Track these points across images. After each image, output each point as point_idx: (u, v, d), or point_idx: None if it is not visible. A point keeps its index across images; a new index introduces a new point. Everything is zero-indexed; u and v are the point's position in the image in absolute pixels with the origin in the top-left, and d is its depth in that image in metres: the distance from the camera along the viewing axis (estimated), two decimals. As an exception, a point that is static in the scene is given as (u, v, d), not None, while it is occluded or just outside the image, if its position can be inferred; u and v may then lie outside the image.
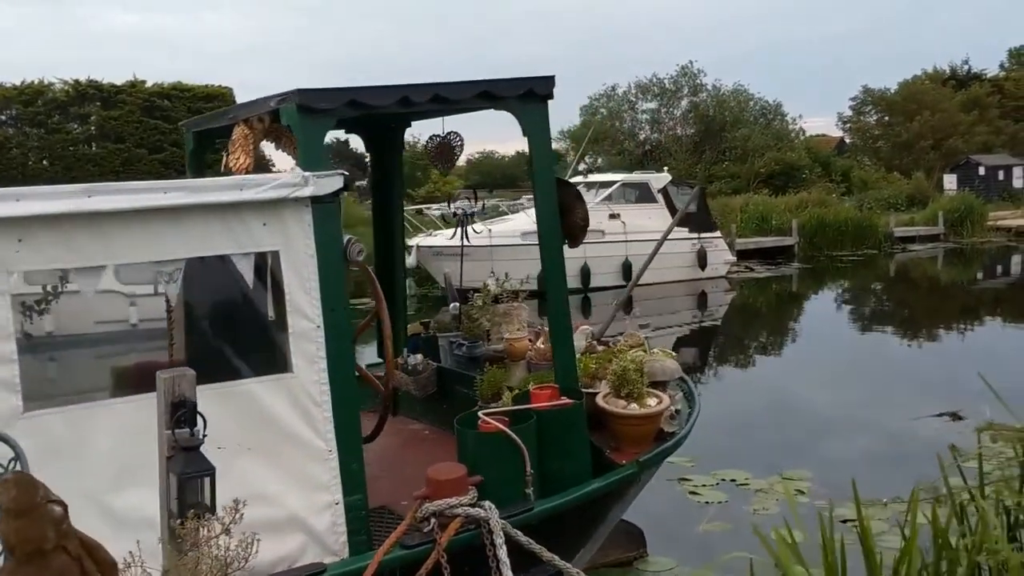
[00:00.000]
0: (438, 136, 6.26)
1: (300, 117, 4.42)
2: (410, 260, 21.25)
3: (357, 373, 5.85)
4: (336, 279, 4.43)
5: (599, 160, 48.93)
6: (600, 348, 6.11)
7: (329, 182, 4.36)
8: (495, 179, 68.88)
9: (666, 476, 8.52)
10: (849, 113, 55.35)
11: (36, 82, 36.42)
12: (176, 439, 3.17)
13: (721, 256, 24.64)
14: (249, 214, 4.23)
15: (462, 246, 7.88)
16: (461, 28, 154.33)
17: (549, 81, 5.01)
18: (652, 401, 5.12)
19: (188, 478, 3.13)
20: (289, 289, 4.31)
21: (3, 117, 35.90)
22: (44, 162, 36.30)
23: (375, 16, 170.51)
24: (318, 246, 4.37)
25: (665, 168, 26.79)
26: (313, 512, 4.32)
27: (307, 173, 4.32)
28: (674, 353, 6.03)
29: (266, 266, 4.42)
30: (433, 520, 4.26)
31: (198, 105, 37.69)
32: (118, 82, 37.46)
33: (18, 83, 36.14)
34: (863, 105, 54.22)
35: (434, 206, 32.43)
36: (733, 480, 8.41)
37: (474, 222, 7.72)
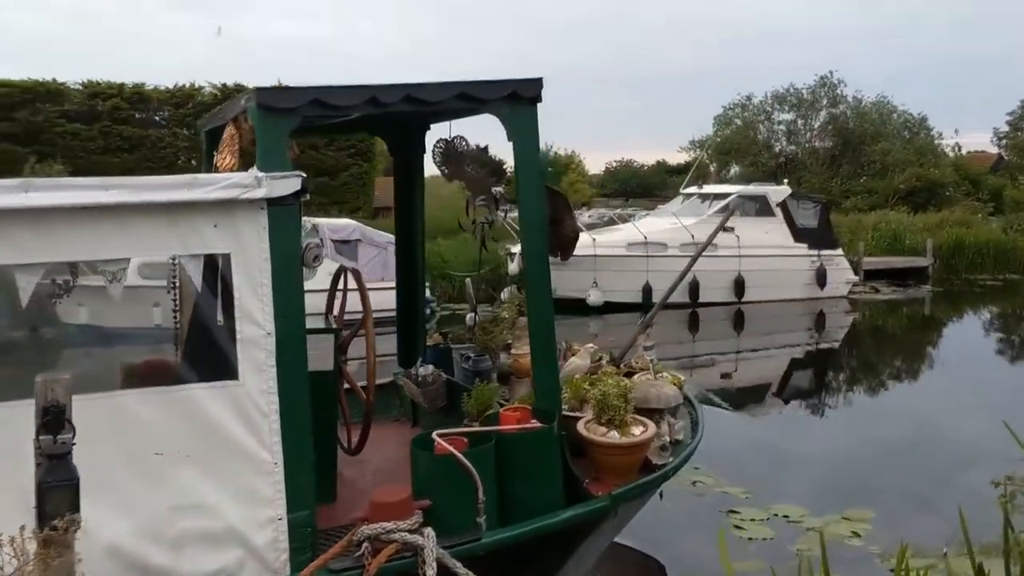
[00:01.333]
0: (444, 140, 6.05)
1: (260, 116, 4.29)
2: (512, 267, 21.12)
3: (347, 385, 5.72)
4: (291, 285, 4.26)
5: (732, 171, 47.74)
6: (609, 370, 5.73)
7: (285, 184, 4.20)
8: (632, 188, 68.14)
9: (716, 506, 8.07)
10: (1006, 128, 52.06)
11: (187, 86, 38.24)
12: (40, 446, 3.05)
13: (842, 275, 23.44)
14: (199, 215, 4.11)
15: (479, 256, 7.63)
16: (604, 38, 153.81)
17: (536, 83, 4.72)
18: (637, 430, 4.74)
19: (48, 488, 3.00)
20: (239, 293, 4.17)
21: (156, 118, 37.71)
22: (192, 162, 37.97)
23: (520, 25, 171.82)
24: (273, 250, 4.21)
25: (785, 181, 25.71)
26: (254, 526, 4.17)
27: (260, 174, 4.18)
28: (682, 378, 5.61)
29: (217, 269, 4.30)
30: (366, 544, 4.04)
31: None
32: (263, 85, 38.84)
33: (171, 86, 38.07)
34: (1021, 120, 50.83)
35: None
36: (786, 516, 7.85)
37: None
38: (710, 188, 24.28)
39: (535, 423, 4.61)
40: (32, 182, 3.87)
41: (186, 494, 4.08)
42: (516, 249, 21.04)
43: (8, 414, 3.65)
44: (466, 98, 4.63)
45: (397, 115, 5.92)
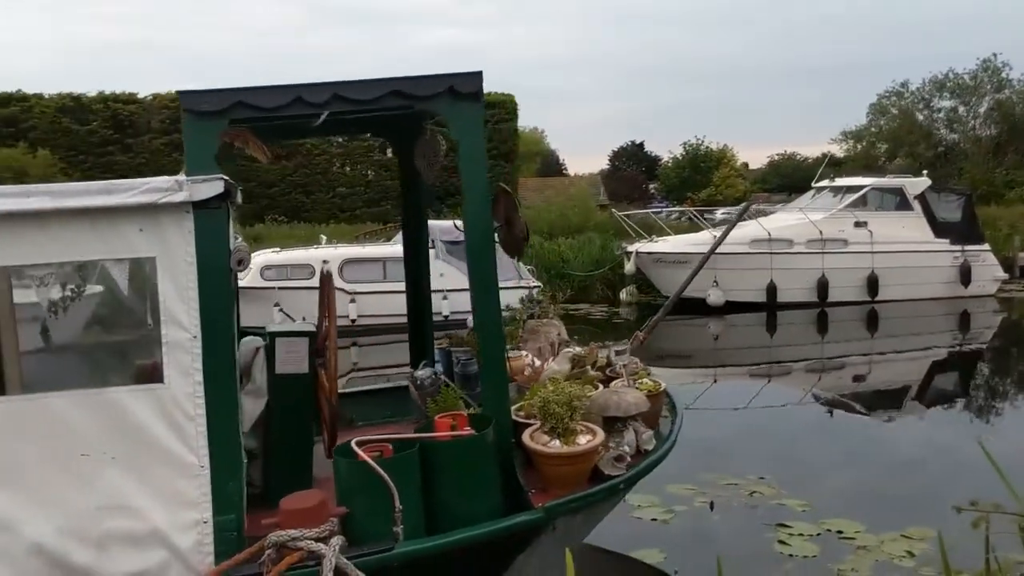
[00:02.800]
0: (422, 139, 5.93)
1: (186, 120, 4.31)
2: (629, 266, 20.73)
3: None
4: (219, 288, 4.26)
5: (888, 162, 45.23)
6: (592, 375, 5.45)
7: (207, 187, 4.20)
8: (795, 182, 65.80)
9: (763, 519, 7.62)
10: None
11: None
12: None
13: (990, 272, 21.72)
14: (123, 219, 4.17)
15: (518, 257, 7.45)
16: (753, 32, 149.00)
17: (475, 78, 4.54)
18: (583, 439, 4.48)
19: None
20: (165, 297, 4.20)
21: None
22: (346, 168, 39.37)
23: (673, 21, 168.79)
24: (199, 253, 4.23)
25: (924, 172, 24.03)
26: (178, 529, 4.19)
27: (182, 177, 4.20)
28: (662, 384, 5.27)
29: (143, 273, 4.35)
30: (269, 552, 3.98)
31: (480, 112, 39.41)
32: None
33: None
34: None
35: (719, 210, 31.53)
36: (840, 532, 7.29)
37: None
38: (843, 181, 23.03)
39: (468, 431, 4.44)
40: (-45, 189, 4.03)
41: (112, 495, 4.14)
42: (633, 248, 20.65)
43: None
44: (402, 95, 4.50)
45: (392, 115, 5.85)
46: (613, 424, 4.78)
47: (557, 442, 4.44)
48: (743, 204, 19.20)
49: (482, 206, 4.67)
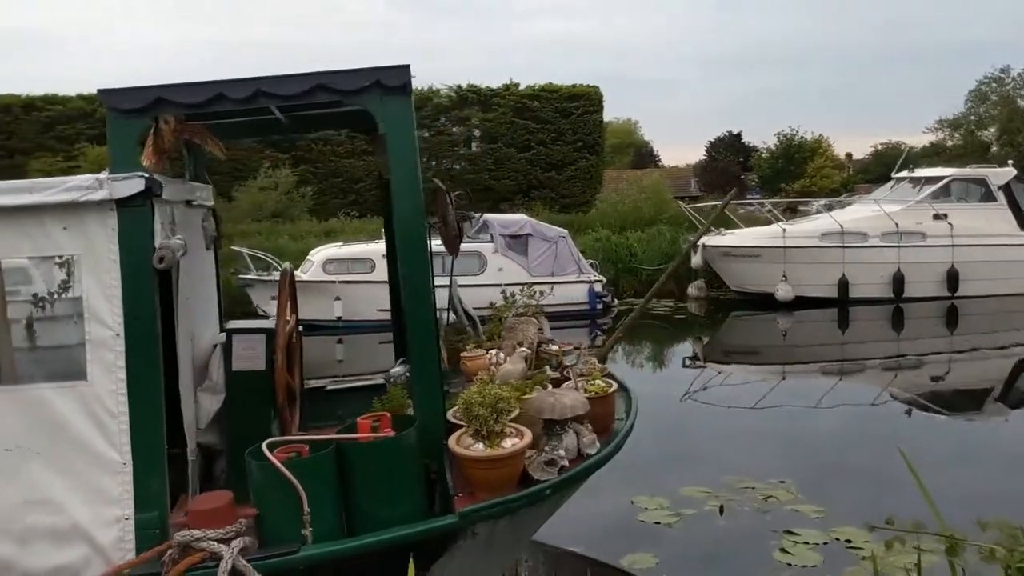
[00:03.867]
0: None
1: (109, 118, 4.33)
2: (695, 259, 20.28)
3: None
4: (142, 286, 4.27)
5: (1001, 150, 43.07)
6: (545, 376, 5.27)
7: (126, 185, 4.21)
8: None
9: (772, 525, 7.33)
10: None
11: (426, 88, 39.99)
12: None
13: (1080, 267, 20.45)
14: (48, 217, 4.21)
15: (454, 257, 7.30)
16: (856, 17, 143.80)
17: (402, 71, 4.42)
18: (509, 442, 4.33)
19: None
20: (88, 295, 4.24)
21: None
22: (433, 161, 39.61)
23: (777, 7, 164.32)
24: (122, 251, 4.24)
25: (1010, 162, 22.75)
26: (99, 525, 4.22)
27: (102, 176, 4.22)
28: (611, 386, 5.06)
29: (66, 270, 4.39)
30: (171, 551, 3.97)
31: (564, 105, 39.19)
32: (494, 85, 39.87)
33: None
34: None
35: (816, 202, 30.65)
36: (848, 541, 6.94)
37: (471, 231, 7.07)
38: (922, 172, 22.03)
39: (385, 432, 4.34)
40: None
41: (35, 490, 4.20)
42: (700, 241, 20.19)
43: None
44: (327, 90, 4.43)
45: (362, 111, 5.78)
46: (552, 427, 4.61)
47: (480, 445, 4.30)
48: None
49: (412, 204, 4.55)
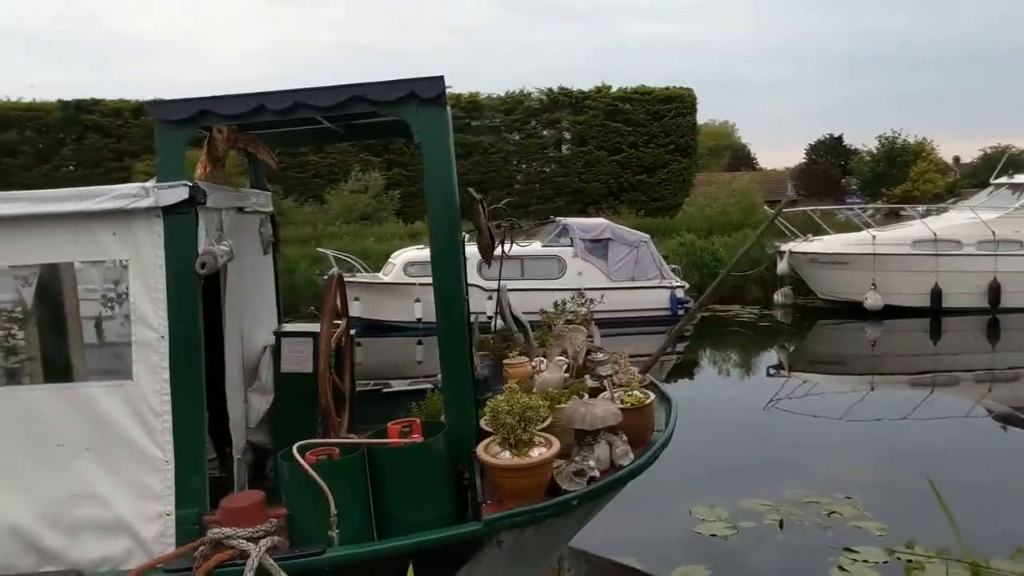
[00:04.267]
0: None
1: (157, 128, 4.50)
2: (781, 266, 19.86)
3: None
4: (186, 290, 4.43)
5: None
6: (585, 385, 5.25)
7: (171, 193, 4.39)
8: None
9: (832, 542, 7.15)
10: None
11: (517, 92, 40.18)
12: None
13: None
14: (98, 224, 4.42)
15: (501, 260, 7.30)
16: (967, 16, 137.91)
17: (436, 82, 4.49)
18: (536, 451, 4.34)
19: None
20: (135, 298, 4.43)
21: (482, 123, 39.83)
22: (523, 164, 39.76)
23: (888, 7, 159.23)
24: (167, 256, 4.42)
25: None
26: (142, 520, 4.41)
27: (149, 184, 4.40)
28: (648, 397, 5.01)
29: (116, 274, 4.57)
30: (203, 548, 4.11)
31: (657, 107, 38.86)
32: (586, 88, 39.79)
33: (503, 94, 40.19)
34: None
35: (920, 207, 29.76)
36: (909, 560, 6.71)
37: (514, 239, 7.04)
38: (1023, 177, 21.09)
39: (414, 438, 4.41)
40: (-54, 197, 4.39)
41: (83, 484, 4.41)
42: (787, 247, 19.79)
43: None
44: (364, 101, 4.52)
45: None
46: (583, 437, 4.61)
47: (507, 453, 4.33)
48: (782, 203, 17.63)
49: (447, 213, 4.61)
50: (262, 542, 4.08)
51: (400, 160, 37.36)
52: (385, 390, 6.95)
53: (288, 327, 6.04)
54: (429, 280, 15.37)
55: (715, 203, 27.71)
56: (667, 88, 39.80)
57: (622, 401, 4.92)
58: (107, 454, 4.42)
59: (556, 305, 6.90)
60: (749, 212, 25.73)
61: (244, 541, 4.08)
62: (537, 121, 39.81)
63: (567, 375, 5.43)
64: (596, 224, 19.38)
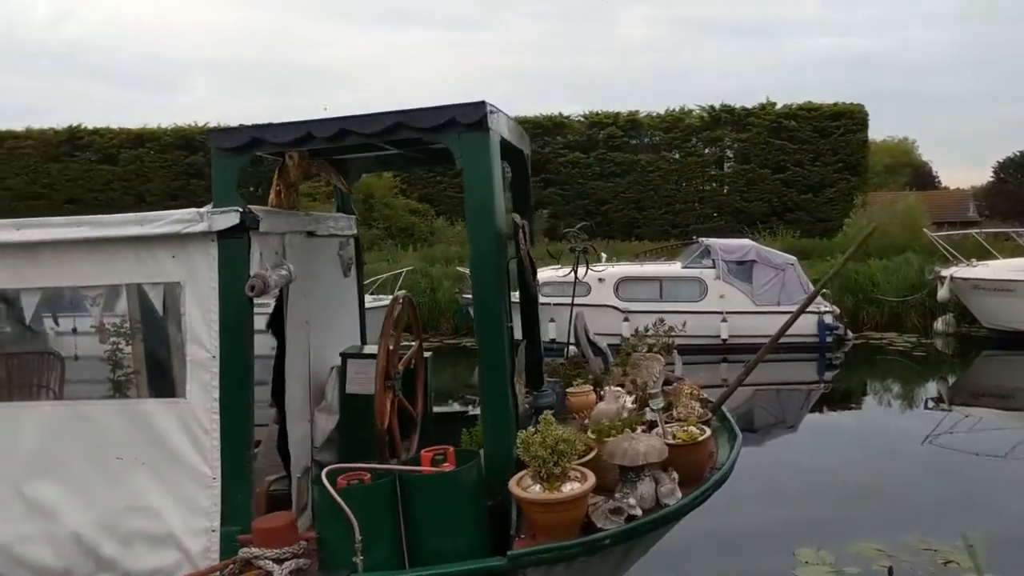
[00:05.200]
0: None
1: (213, 156, 4.67)
2: (942, 293, 18.64)
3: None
4: (238, 312, 4.57)
5: None
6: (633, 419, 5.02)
7: (224, 218, 4.54)
8: None
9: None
10: None
11: (677, 110, 39.70)
12: None
13: None
14: (158, 247, 4.63)
15: (575, 285, 7.10)
16: None
17: (478, 108, 4.43)
18: (568, 486, 4.19)
19: None
20: (190, 319, 4.61)
21: (641, 141, 39.50)
22: (682, 183, 39.15)
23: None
24: (221, 279, 4.57)
25: None
26: (190, 534, 4.56)
27: (204, 209, 4.57)
28: (703, 432, 4.74)
29: (173, 296, 4.75)
30: (232, 567, 4.20)
31: (824, 124, 37.48)
32: (749, 105, 38.87)
33: (661, 112, 39.80)
34: None
35: None
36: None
37: (588, 261, 6.83)
38: None
39: (444, 467, 4.34)
40: (22, 222, 4.70)
41: (138, 496, 4.61)
42: (947, 272, 18.61)
43: None
44: (407, 127, 4.53)
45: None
46: (626, 473, 4.42)
47: (538, 487, 4.20)
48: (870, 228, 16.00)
49: (488, 238, 4.55)
50: (287, 564, 4.14)
51: (555, 179, 37.59)
52: (471, 411, 6.89)
53: (363, 348, 6.10)
54: (564, 300, 15.18)
55: (877, 224, 26.27)
56: (835, 104, 38.36)
57: (674, 436, 4.69)
58: (160, 469, 4.59)
59: (636, 332, 6.69)
60: (914, 235, 24.24)
61: (270, 562, 4.14)
62: (698, 139, 39.21)
63: (635, 406, 5.24)
64: (740, 245, 18.79)
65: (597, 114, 39.64)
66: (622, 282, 18.19)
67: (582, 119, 39.77)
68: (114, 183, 38.07)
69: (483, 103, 4.45)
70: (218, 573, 4.24)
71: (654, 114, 39.65)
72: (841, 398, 16.11)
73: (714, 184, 38.99)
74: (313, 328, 5.67)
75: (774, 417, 15.18)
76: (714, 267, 18.06)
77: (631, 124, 39.22)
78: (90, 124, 39.29)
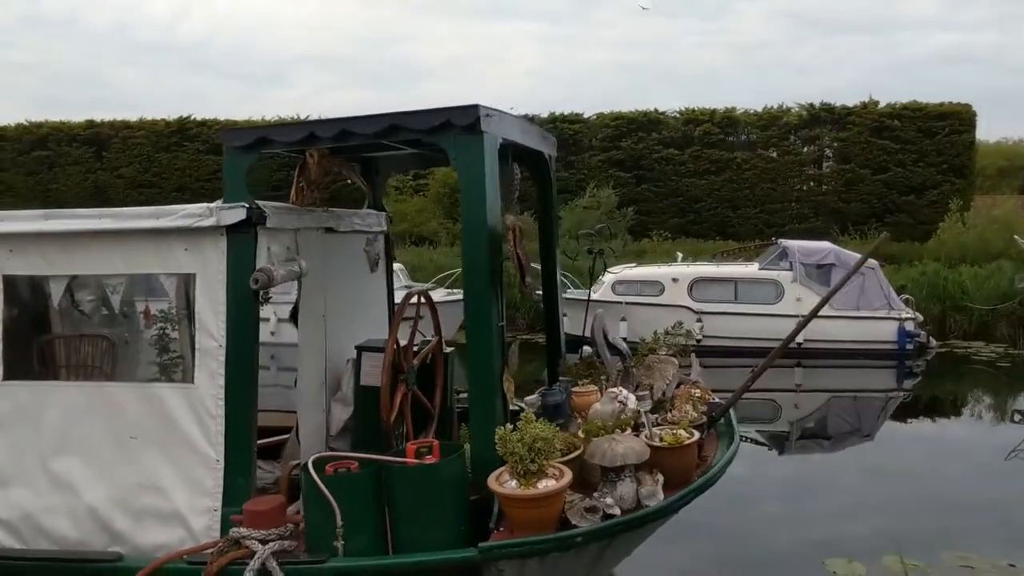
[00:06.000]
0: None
1: (225, 153, 4.91)
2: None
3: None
4: (244, 303, 4.80)
5: None
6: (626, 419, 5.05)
7: (231, 213, 4.78)
8: None
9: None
10: None
11: (775, 107, 38.90)
12: None
13: None
14: (174, 239, 4.90)
15: (590, 284, 7.08)
16: None
17: (470, 111, 4.55)
18: (544, 483, 4.27)
19: None
20: (200, 309, 4.86)
21: (738, 138, 38.89)
22: (779, 183, 38.33)
23: None
24: (229, 272, 4.81)
25: None
26: (194, 513, 4.82)
27: (213, 204, 4.81)
28: (691, 436, 4.74)
29: (186, 286, 5.02)
30: (221, 544, 4.43)
31: (929, 124, 36.22)
32: (850, 103, 37.83)
33: (759, 109, 39.08)
34: None
35: None
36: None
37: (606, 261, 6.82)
38: None
39: (427, 459, 4.48)
40: (51, 212, 5.03)
41: (149, 475, 4.89)
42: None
43: None
44: (401, 129, 4.68)
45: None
46: (607, 473, 4.48)
47: (514, 483, 4.30)
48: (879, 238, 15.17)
49: (481, 238, 4.66)
50: (270, 544, 4.34)
51: (648, 176, 37.35)
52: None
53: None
54: (636, 299, 15.30)
55: (973, 229, 25.35)
56: (941, 104, 36.96)
57: (661, 439, 4.72)
58: (170, 450, 4.85)
59: (655, 334, 6.70)
60: (1009, 241, 23.22)
61: (256, 542, 4.35)
62: (796, 137, 38.36)
63: (635, 408, 5.28)
64: (819, 248, 18.36)
65: (693, 110, 39.15)
66: (696, 283, 18.01)
67: (677, 115, 39.36)
68: (219, 173, 39.45)
69: (476, 106, 4.57)
70: (211, 550, 4.46)
71: (751, 111, 38.94)
72: (921, 408, 15.65)
73: (811, 184, 38.06)
74: (331, 321, 5.87)
75: (849, 424, 14.86)
76: (791, 269, 17.73)
77: (727, 121, 38.60)
78: (199, 116, 40.78)
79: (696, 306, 17.60)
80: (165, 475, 4.86)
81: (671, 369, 5.86)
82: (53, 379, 5.49)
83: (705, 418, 5.16)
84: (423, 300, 5.85)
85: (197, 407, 4.83)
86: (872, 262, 17.98)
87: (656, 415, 5.17)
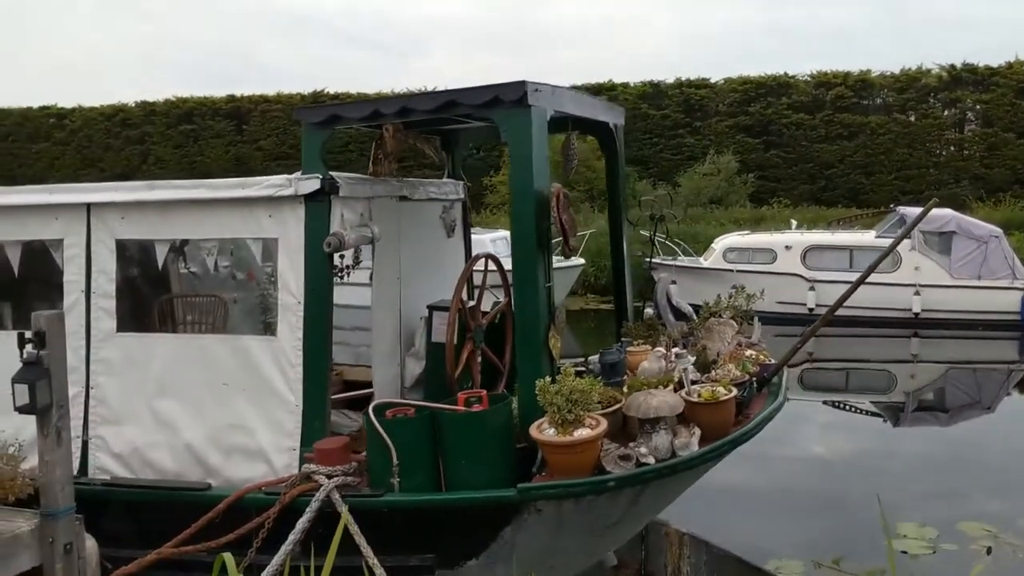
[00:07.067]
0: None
1: (302, 129, 5.41)
2: None
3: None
4: (319, 264, 5.32)
5: None
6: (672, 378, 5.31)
7: (307, 184, 5.29)
8: None
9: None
10: None
11: (913, 69, 37.35)
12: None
13: None
14: (259, 207, 5.45)
15: (652, 254, 7.22)
16: None
17: (518, 87, 4.87)
18: (581, 431, 4.61)
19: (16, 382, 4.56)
20: (282, 270, 5.41)
21: (872, 102, 37.56)
22: (917, 148, 36.83)
23: None
24: (306, 236, 5.34)
25: None
26: (276, 451, 5.40)
27: (293, 176, 5.33)
28: (729, 392, 4.97)
29: (270, 249, 5.56)
30: (293, 477, 4.97)
31: (1086, 83, 34.15)
32: (995, 64, 35.99)
33: (896, 71, 37.57)
34: None
35: None
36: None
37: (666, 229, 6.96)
38: None
39: (475, 407, 4.89)
40: (155, 183, 5.66)
41: (239, 417, 5.48)
42: None
43: None
44: (457, 105, 5.06)
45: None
46: (643, 425, 4.79)
47: (553, 431, 4.66)
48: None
49: (527, 205, 5.00)
50: (334, 479, 4.85)
51: (778, 142, 36.55)
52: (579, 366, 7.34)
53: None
54: (747, 267, 15.37)
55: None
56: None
57: (699, 395, 4.99)
58: (256, 395, 5.42)
59: (719, 297, 6.90)
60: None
61: (323, 477, 4.88)
62: (935, 100, 36.77)
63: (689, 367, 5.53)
64: (940, 215, 17.73)
65: (825, 73, 37.98)
66: (810, 250, 17.75)
67: (809, 78, 38.27)
68: (351, 145, 40.86)
69: (523, 82, 4.90)
70: (284, 484, 5.01)
71: (887, 73, 37.50)
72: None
73: (952, 148, 36.44)
74: (406, 282, 6.34)
75: (969, 396, 14.53)
76: (910, 237, 17.27)
77: (861, 84, 37.30)
78: (332, 89, 42.16)
79: (809, 274, 17.39)
80: (251, 417, 5.43)
81: (729, 332, 6.08)
82: (172, 332, 6.17)
83: (748, 377, 5.37)
84: (491, 264, 6.23)
85: (279, 357, 5.37)
86: (996, 230, 17.36)
87: (705, 374, 5.42)
